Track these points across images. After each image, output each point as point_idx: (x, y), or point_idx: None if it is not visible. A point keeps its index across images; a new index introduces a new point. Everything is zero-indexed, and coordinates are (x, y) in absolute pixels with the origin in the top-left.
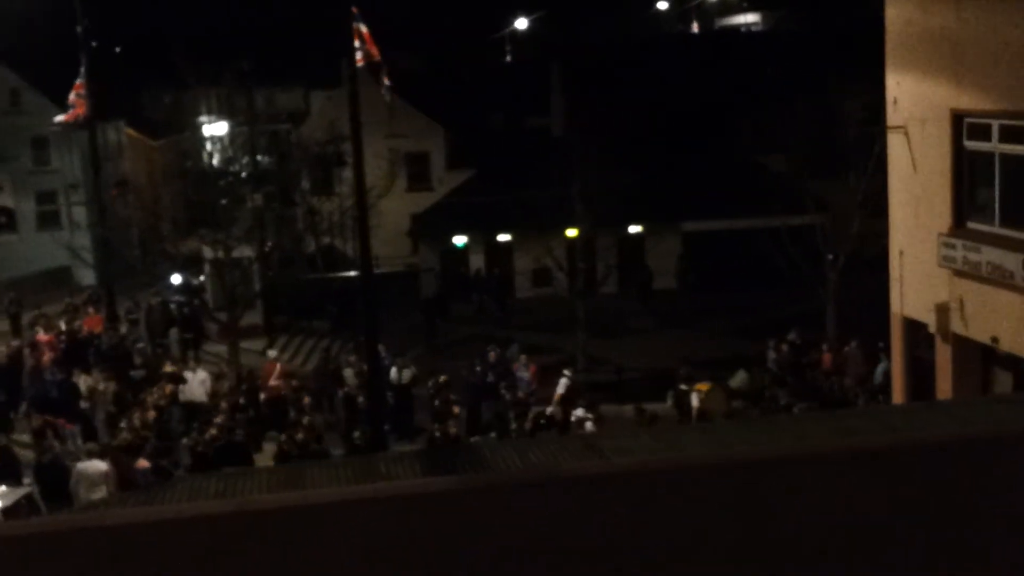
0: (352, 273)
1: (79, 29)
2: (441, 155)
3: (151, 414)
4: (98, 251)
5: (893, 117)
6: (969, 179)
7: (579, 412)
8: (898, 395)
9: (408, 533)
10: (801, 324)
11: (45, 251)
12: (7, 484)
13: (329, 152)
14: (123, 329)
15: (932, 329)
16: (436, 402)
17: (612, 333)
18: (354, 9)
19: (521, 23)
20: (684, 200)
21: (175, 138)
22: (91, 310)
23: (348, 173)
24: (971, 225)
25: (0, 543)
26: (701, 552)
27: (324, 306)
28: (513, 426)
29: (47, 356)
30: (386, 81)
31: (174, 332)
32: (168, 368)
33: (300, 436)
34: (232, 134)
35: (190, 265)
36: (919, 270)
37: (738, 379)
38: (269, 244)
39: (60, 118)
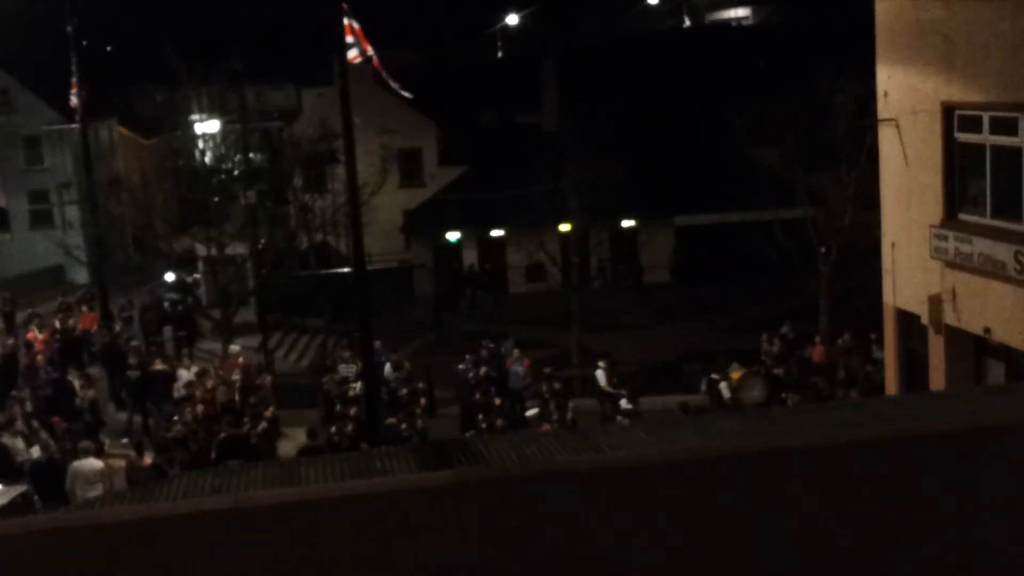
0: (345, 270)
1: (70, 28)
2: (433, 151)
3: (200, 408)
4: (91, 250)
5: (884, 110)
6: (960, 171)
7: (624, 403)
8: (891, 386)
9: (404, 528)
10: (794, 317)
11: (38, 250)
12: (2, 483)
13: (321, 149)
14: (117, 327)
15: (925, 320)
16: (476, 395)
17: (606, 327)
18: (344, 5)
19: (512, 19)
20: (676, 194)
21: (167, 136)
22: (85, 309)
23: (340, 170)
24: (963, 217)
25: None
26: (696, 546)
27: (318, 303)
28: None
29: (41, 355)
30: (390, 80)
31: (168, 330)
32: (159, 365)
33: (350, 428)
34: (224, 132)
35: (183, 263)
36: (911, 262)
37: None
38: (262, 241)
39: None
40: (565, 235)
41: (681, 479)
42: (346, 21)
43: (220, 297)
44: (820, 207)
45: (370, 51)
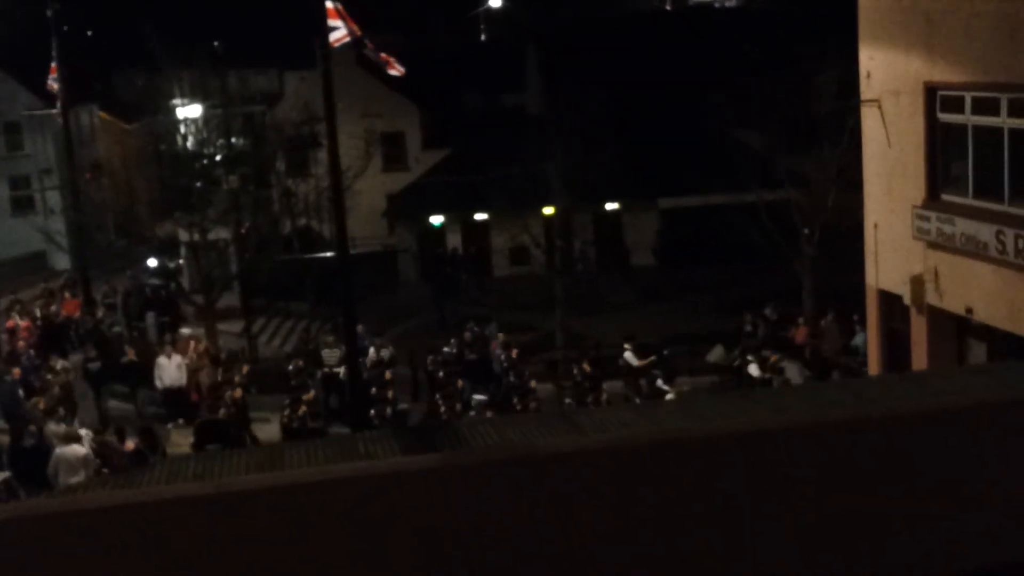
0: (329, 254)
1: (50, 13)
2: (417, 135)
3: (238, 393)
4: (73, 236)
5: (867, 91)
6: (943, 151)
7: (660, 383)
8: (874, 367)
9: (388, 512)
10: (778, 298)
11: (19, 236)
12: None
13: (304, 133)
14: (100, 313)
15: (907, 301)
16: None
17: (591, 310)
18: None
19: (495, 1)
20: (660, 177)
21: (149, 121)
22: (67, 295)
23: (323, 154)
24: (945, 197)
25: None
26: (680, 526)
27: (301, 288)
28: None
29: (23, 342)
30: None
31: (151, 316)
32: (130, 356)
33: (302, 410)
34: (206, 116)
35: (166, 248)
36: (894, 242)
37: (715, 354)
38: (245, 226)
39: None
40: (549, 218)
41: (668, 459)
42: (329, 4)
43: (203, 282)
44: (803, 188)
45: (359, 32)
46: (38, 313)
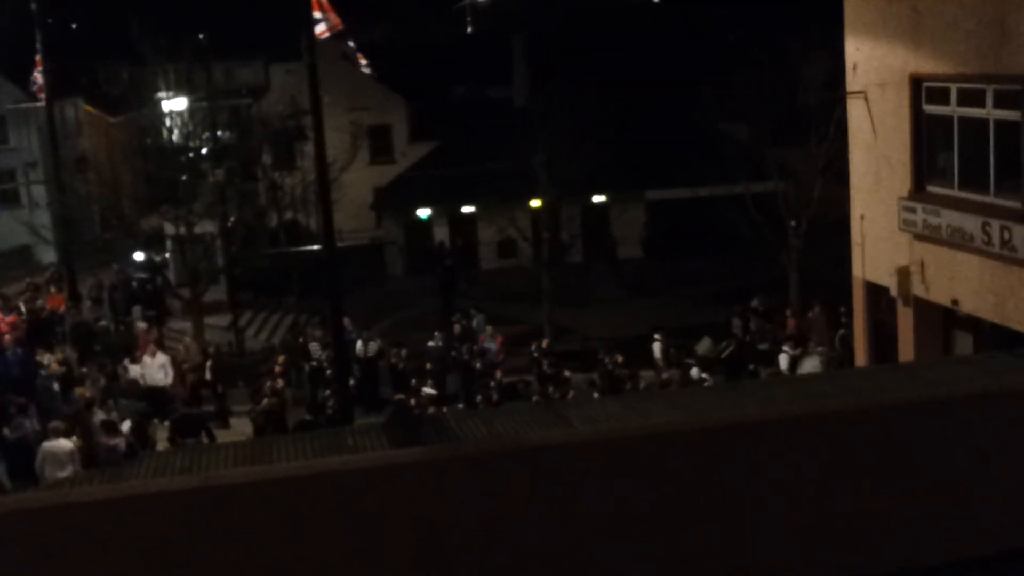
0: (315, 247)
1: (34, 6)
2: (403, 127)
3: (279, 383)
4: (58, 229)
5: (853, 83)
6: (928, 143)
7: (694, 372)
8: (861, 358)
9: (376, 504)
10: (765, 290)
11: (5, 230)
12: None
13: (290, 126)
14: (86, 308)
15: (893, 293)
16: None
17: (578, 303)
18: None
19: None
20: (648, 168)
21: (134, 114)
22: (53, 289)
23: (309, 147)
24: (931, 189)
25: None
26: (669, 517)
27: (288, 281)
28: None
29: (8, 336)
30: (360, 58)
31: (137, 310)
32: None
33: (265, 402)
34: (191, 109)
35: (152, 242)
36: (880, 234)
37: (703, 346)
38: (232, 220)
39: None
40: (536, 210)
41: (655, 451)
42: None
43: (189, 276)
44: (790, 180)
45: (341, 26)
46: (23, 308)
